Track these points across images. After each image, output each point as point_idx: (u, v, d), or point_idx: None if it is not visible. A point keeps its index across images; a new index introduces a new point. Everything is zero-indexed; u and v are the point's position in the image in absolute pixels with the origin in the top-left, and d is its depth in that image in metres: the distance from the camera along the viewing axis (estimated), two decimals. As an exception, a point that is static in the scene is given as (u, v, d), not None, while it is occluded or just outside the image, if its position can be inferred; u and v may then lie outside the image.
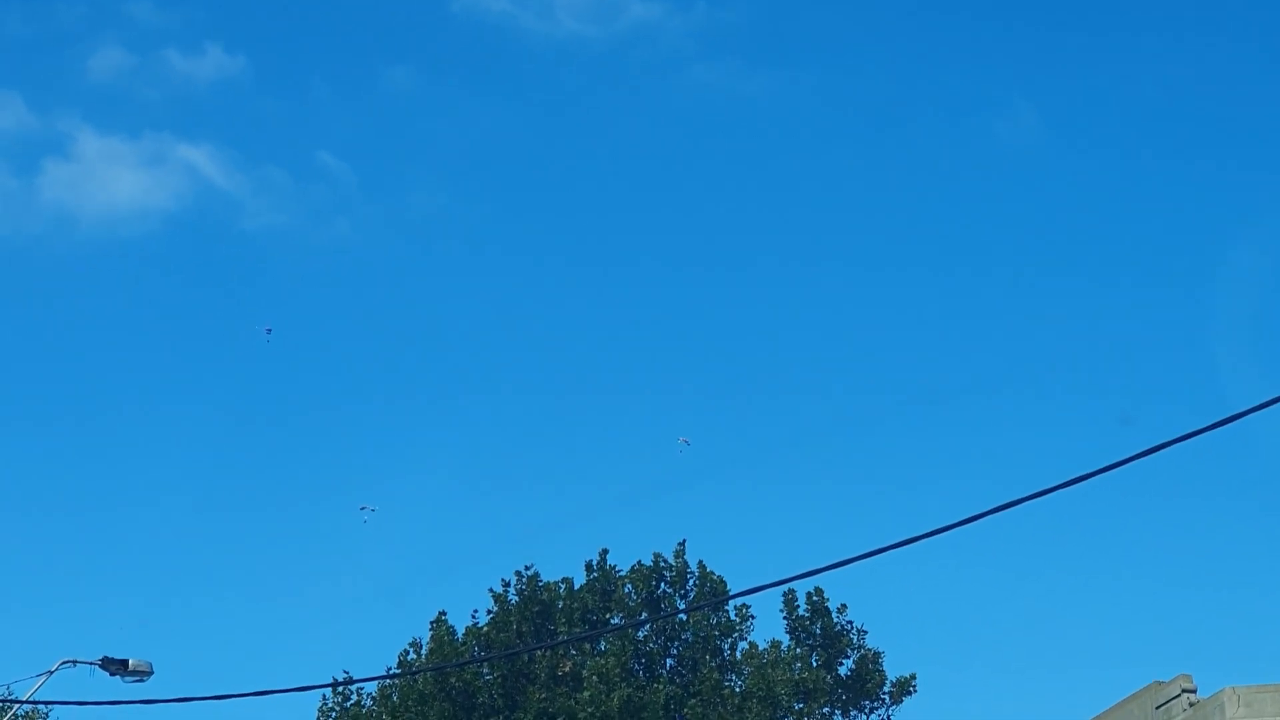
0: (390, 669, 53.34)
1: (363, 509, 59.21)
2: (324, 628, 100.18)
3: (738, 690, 51.23)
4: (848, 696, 52.42)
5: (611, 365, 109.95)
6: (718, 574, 53.72)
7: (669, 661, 52.93)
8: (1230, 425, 16.84)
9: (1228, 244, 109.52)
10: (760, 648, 52.60)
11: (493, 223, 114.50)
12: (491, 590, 53.54)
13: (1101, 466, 18.55)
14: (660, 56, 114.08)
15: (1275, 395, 16.20)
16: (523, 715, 50.14)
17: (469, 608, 54.32)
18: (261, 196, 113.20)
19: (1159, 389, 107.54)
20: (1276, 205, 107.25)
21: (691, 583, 53.70)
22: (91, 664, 35.74)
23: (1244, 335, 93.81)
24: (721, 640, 52.85)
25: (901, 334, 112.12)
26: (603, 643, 52.22)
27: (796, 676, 51.17)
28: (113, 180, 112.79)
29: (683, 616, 52.94)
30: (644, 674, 52.32)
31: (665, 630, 53.04)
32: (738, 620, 53.24)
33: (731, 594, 54.15)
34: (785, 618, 53.03)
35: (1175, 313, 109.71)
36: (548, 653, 51.18)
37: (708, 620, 52.87)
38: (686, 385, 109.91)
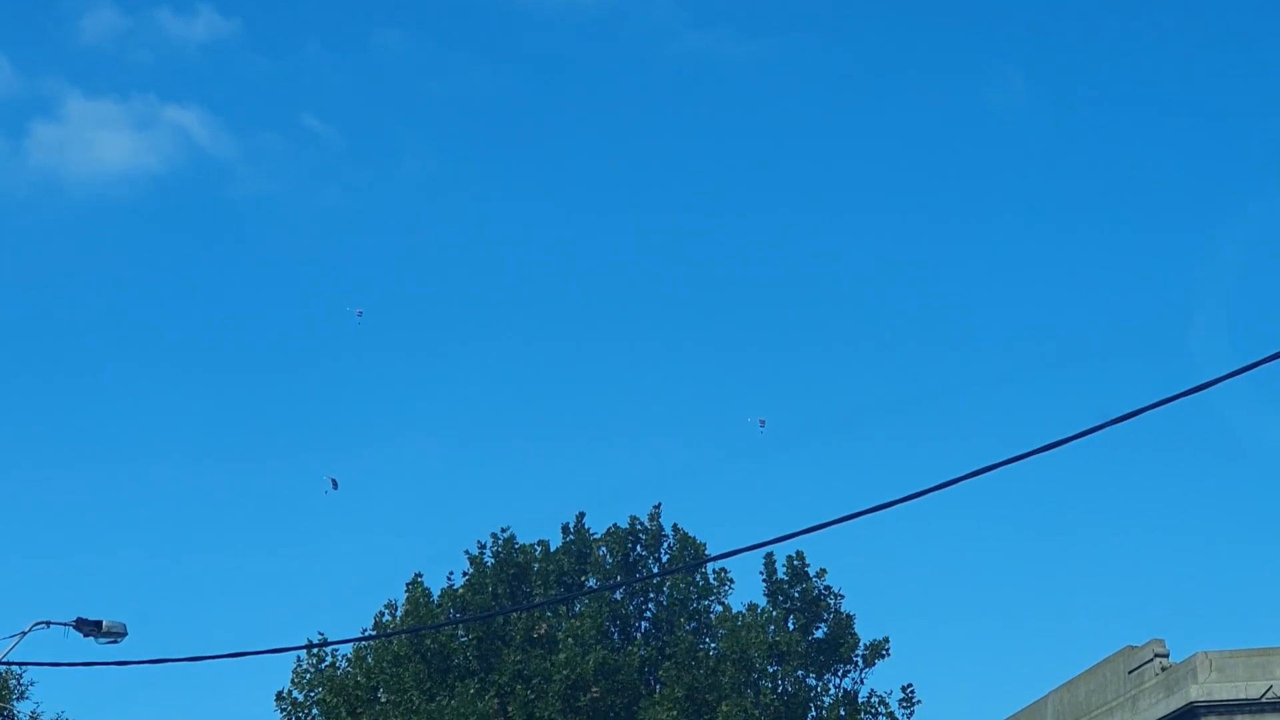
0: (365, 631, 53.38)
1: (328, 479, 58.81)
2: (299, 590, 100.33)
3: (712, 653, 51.34)
4: (822, 660, 52.55)
5: (590, 329, 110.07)
6: (694, 536, 53.81)
7: (644, 624, 53.02)
8: (1201, 395, 16.87)
9: (1207, 216, 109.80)
10: (734, 611, 52.67)
11: (483, 188, 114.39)
12: (467, 552, 53.63)
13: (1077, 432, 18.58)
14: (653, 22, 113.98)
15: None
16: (498, 677, 50.22)
17: (444, 570, 54.43)
18: (252, 160, 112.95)
19: (1132, 363, 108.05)
20: (1262, 175, 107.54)
21: (666, 545, 53.78)
22: (65, 625, 35.63)
23: (1220, 317, 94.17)
24: (698, 603, 52.94)
25: (881, 299, 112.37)
26: (578, 605, 52.29)
27: (771, 640, 51.27)
28: (101, 143, 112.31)
29: (659, 579, 53.01)
30: (619, 636, 52.41)
31: (641, 593, 53.13)
32: (715, 584, 53.32)
33: (709, 556, 54.27)
34: (764, 581, 53.11)
35: (1153, 293, 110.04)
36: (523, 615, 51.22)
37: (684, 583, 52.93)
38: (665, 348, 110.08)
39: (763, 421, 60.57)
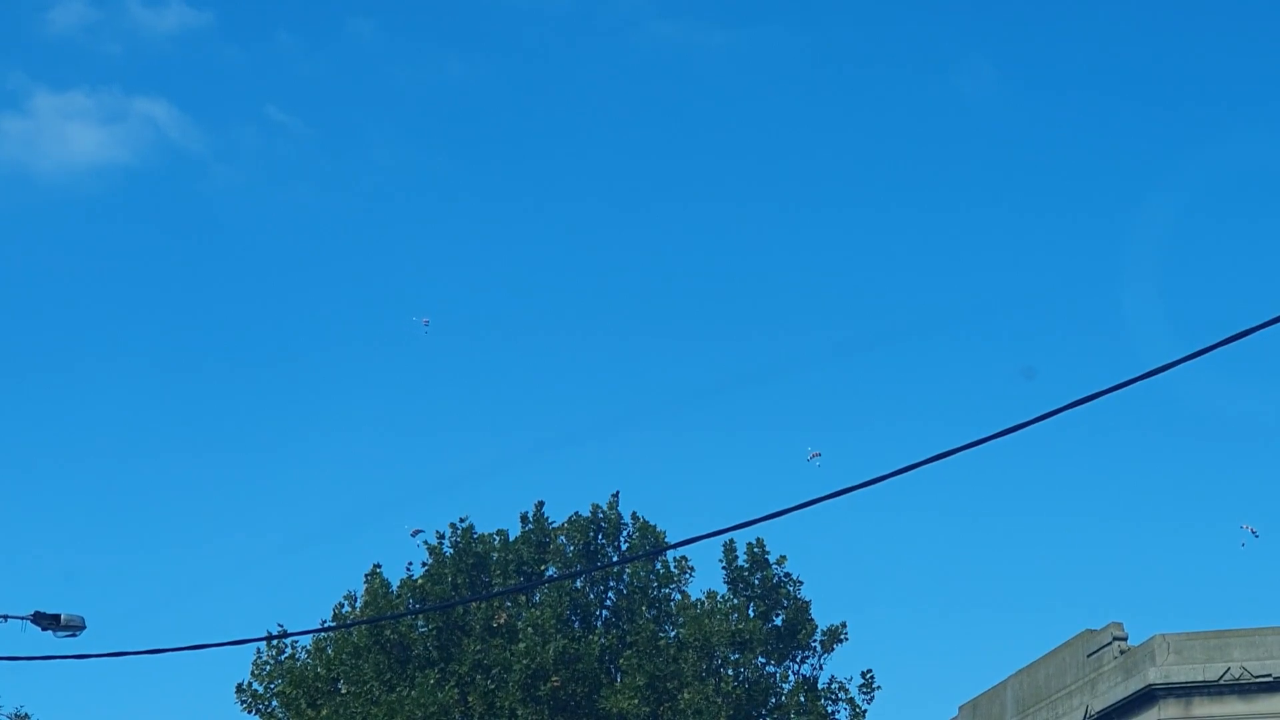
0: (325, 622, 53.27)
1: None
2: (258, 581, 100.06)
3: (673, 641, 51.35)
4: (782, 647, 52.62)
5: (547, 314, 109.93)
6: (654, 524, 53.80)
7: (604, 613, 53.01)
8: (1156, 377, 16.93)
9: (1143, 193, 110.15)
10: (694, 599, 52.70)
11: (454, 179, 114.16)
12: (426, 542, 53.52)
13: (1035, 416, 18.64)
14: (622, 12, 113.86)
15: (1198, 345, 16.28)
16: (458, 667, 50.19)
17: (403, 560, 54.34)
18: (223, 152, 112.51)
19: (1068, 338, 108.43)
20: (1193, 155, 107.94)
21: (626, 534, 53.76)
22: (23, 619, 35.48)
23: (1152, 284, 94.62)
24: (658, 591, 52.94)
25: (841, 281, 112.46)
26: (537, 594, 52.28)
27: (733, 627, 51.31)
28: (70, 136, 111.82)
29: (619, 568, 52.98)
30: (579, 625, 52.40)
31: (601, 581, 53.11)
32: (676, 572, 53.31)
33: (669, 544, 54.28)
34: (724, 569, 53.11)
35: (1086, 262, 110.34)
36: (482, 605, 51.20)
37: (644, 571, 52.92)
38: (624, 333, 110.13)
39: (817, 454, 59.36)
